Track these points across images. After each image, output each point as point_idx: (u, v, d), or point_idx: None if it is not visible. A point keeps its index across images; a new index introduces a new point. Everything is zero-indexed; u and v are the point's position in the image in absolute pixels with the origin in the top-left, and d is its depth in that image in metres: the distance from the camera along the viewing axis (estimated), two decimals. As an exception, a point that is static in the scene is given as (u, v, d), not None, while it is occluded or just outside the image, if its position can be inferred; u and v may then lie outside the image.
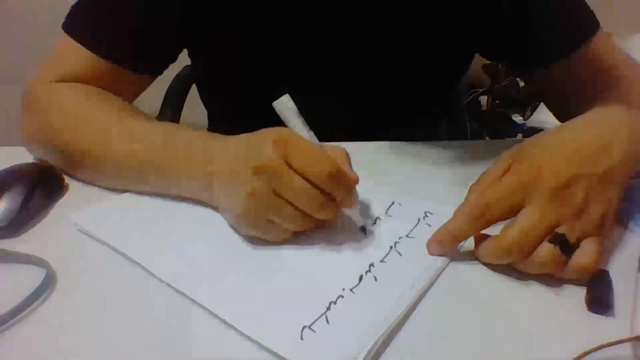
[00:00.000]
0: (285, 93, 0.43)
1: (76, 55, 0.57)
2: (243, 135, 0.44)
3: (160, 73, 0.64)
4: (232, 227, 0.45)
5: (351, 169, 0.44)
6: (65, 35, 0.57)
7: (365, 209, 0.49)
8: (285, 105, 0.43)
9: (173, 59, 0.65)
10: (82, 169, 0.53)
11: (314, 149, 0.41)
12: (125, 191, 0.51)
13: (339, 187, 0.41)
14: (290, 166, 0.40)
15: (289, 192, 0.40)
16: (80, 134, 0.51)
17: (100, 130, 0.51)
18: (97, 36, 0.57)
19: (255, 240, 0.44)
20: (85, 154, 0.51)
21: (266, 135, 0.42)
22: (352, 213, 0.45)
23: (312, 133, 0.43)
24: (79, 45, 0.56)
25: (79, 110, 0.53)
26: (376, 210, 0.49)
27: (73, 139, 0.52)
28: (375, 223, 0.47)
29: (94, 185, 0.53)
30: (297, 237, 0.44)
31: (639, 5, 1.58)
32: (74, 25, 0.58)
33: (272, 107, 0.43)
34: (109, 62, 0.57)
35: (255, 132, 0.43)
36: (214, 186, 0.45)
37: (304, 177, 0.40)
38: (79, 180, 0.54)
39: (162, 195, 0.49)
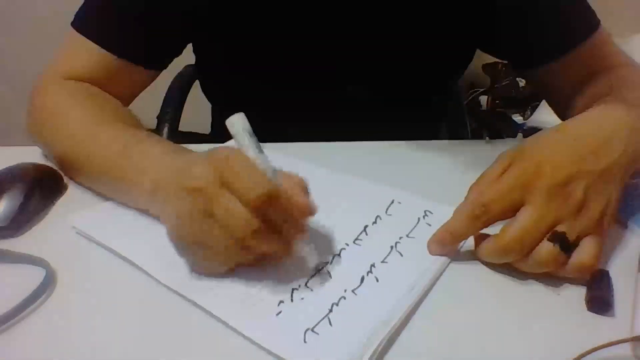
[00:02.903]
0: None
1: (84, 51, 0.58)
2: (194, 153, 0.41)
3: (166, 67, 0.65)
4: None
5: (306, 199, 0.38)
6: (73, 31, 0.58)
7: (324, 245, 0.43)
8: (236, 123, 0.37)
9: (178, 52, 0.66)
10: (62, 171, 0.54)
11: (252, 168, 0.36)
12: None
13: (277, 213, 0.36)
14: (225, 187, 0.36)
15: (220, 213, 0.35)
16: (56, 138, 0.53)
17: (70, 136, 0.52)
18: (104, 31, 0.58)
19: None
20: (61, 156, 0.53)
21: (206, 154, 0.38)
22: (303, 250, 0.39)
23: (264, 155, 0.37)
24: (87, 41, 0.57)
25: (62, 116, 0.54)
26: (376, 209, 0.49)
27: (52, 141, 0.54)
28: (365, 230, 0.45)
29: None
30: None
31: (639, 5, 1.58)
32: (82, 22, 0.59)
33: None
34: (116, 56, 0.58)
35: (205, 150, 0.40)
36: (155, 201, 0.42)
37: (239, 199, 0.35)
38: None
39: None
